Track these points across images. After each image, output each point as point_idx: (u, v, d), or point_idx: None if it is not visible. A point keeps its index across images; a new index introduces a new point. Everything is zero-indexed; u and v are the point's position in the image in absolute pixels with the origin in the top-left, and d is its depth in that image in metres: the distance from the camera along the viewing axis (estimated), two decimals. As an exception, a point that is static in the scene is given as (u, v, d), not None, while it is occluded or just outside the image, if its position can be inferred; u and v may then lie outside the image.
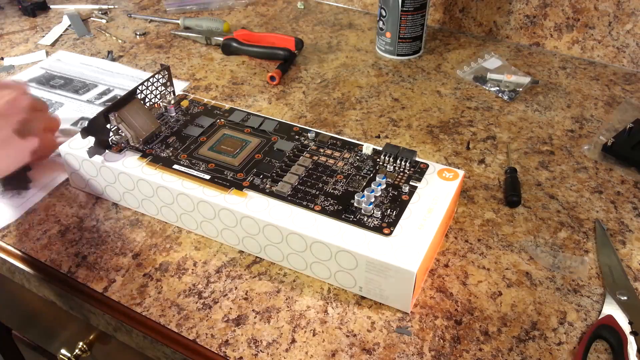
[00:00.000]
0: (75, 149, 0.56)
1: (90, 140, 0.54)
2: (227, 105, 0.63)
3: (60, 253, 0.53)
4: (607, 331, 0.45)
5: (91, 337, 0.64)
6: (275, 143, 0.57)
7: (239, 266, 0.52)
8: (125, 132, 0.55)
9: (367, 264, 0.45)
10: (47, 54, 0.86)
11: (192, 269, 0.51)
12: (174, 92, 0.64)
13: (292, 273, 0.51)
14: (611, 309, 0.47)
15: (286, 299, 0.49)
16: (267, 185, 0.51)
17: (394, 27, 0.81)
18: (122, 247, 0.54)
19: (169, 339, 0.46)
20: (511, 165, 0.63)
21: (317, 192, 0.51)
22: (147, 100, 0.60)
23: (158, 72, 0.61)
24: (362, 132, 0.68)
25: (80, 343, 0.64)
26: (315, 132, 0.58)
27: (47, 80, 0.79)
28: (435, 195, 0.51)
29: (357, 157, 0.55)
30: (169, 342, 0.46)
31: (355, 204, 0.49)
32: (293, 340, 0.45)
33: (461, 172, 0.53)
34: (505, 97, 0.75)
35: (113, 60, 0.84)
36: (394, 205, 0.49)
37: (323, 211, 0.49)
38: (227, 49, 0.85)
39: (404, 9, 0.79)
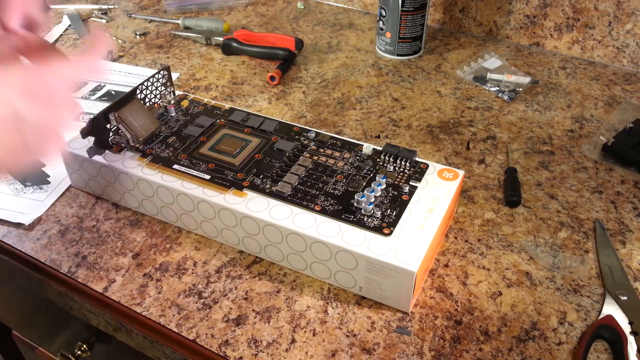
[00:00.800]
0: (75, 149, 0.56)
1: (90, 140, 0.54)
2: (227, 105, 0.63)
3: (60, 253, 0.53)
4: (607, 331, 0.45)
5: (91, 337, 0.64)
6: (275, 143, 0.57)
7: (239, 266, 0.52)
8: (125, 132, 0.55)
9: (367, 264, 0.45)
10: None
11: (192, 269, 0.51)
12: (174, 92, 0.64)
13: (292, 273, 0.51)
14: (611, 309, 0.47)
15: (286, 299, 0.49)
16: (267, 185, 0.51)
17: (394, 27, 0.81)
18: (122, 247, 0.54)
19: (169, 339, 0.46)
20: (511, 165, 0.63)
21: (317, 192, 0.51)
22: (147, 100, 0.60)
23: (158, 72, 0.61)
24: (362, 132, 0.68)
25: (80, 343, 0.64)
26: (315, 132, 0.58)
27: None
28: (435, 195, 0.51)
29: (357, 157, 0.55)
30: (169, 342, 0.46)
31: (355, 204, 0.49)
32: (293, 340, 0.45)
33: (461, 172, 0.53)
34: (505, 97, 0.75)
35: (113, 60, 0.84)
36: (394, 205, 0.49)
37: (323, 211, 0.49)
38: (227, 49, 0.85)
39: (404, 9, 0.79)
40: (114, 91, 0.77)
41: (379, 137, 0.67)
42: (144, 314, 0.48)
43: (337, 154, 0.55)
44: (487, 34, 0.90)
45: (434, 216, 0.48)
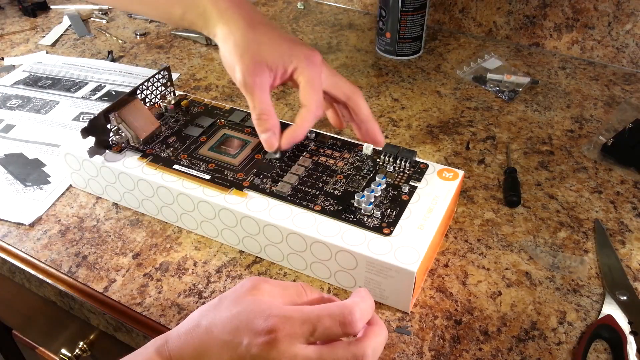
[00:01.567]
0: (75, 149, 0.56)
1: (91, 140, 0.54)
2: (227, 106, 0.63)
3: (61, 253, 0.53)
4: (606, 331, 0.45)
5: (91, 337, 0.64)
6: (275, 143, 0.57)
7: (239, 266, 0.52)
8: (125, 132, 0.55)
9: (367, 264, 0.46)
10: (47, 54, 0.86)
11: (192, 269, 0.51)
12: (174, 92, 0.64)
13: (292, 273, 0.51)
14: (611, 309, 0.47)
15: (286, 299, 0.49)
16: (267, 185, 0.51)
17: (393, 27, 0.81)
18: (122, 247, 0.54)
19: (169, 338, 0.46)
20: (511, 165, 0.63)
21: (317, 192, 0.51)
22: (147, 100, 0.60)
23: (158, 72, 0.61)
24: (362, 132, 0.68)
25: (81, 343, 0.64)
26: (315, 132, 0.58)
27: (35, 82, 0.79)
28: (435, 195, 0.51)
29: (357, 157, 0.55)
30: (169, 342, 0.46)
31: (355, 204, 0.49)
32: (293, 340, 0.45)
33: (461, 172, 0.53)
34: (505, 97, 0.75)
35: (113, 60, 0.84)
36: (394, 205, 0.49)
37: (323, 211, 0.49)
38: (227, 49, 0.85)
39: (404, 9, 0.79)
40: (114, 91, 0.77)
41: (378, 137, 0.67)
42: (144, 313, 0.48)
43: (337, 154, 0.55)
44: (487, 34, 0.90)
45: (433, 216, 0.48)
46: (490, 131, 0.69)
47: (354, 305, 0.35)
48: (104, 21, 0.96)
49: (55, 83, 0.79)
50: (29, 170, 0.63)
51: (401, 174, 0.53)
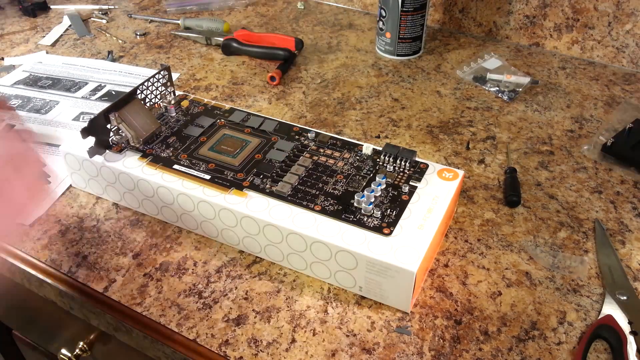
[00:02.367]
0: (75, 149, 0.56)
1: (91, 140, 0.54)
2: (227, 106, 0.63)
3: (61, 253, 0.53)
4: (606, 331, 0.45)
5: (91, 337, 0.64)
6: (276, 143, 0.57)
7: (239, 266, 0.52)
8: (125, 132, 0.55)
9: (367, 264, 0.46)
10: (47, 54, 0.86)
11: (192, 269, 0.51)
12: (174, 92, 0.64)
13: (292, 273, 0.51)
14: (611, 309, 0.47)
15: (286, 299, 0.49)
16: (267, 185, 0.51)
17: (393, 27, 0.81)
18: (122, 247, 0.54)
19: (169, 338, 0.46)
20: (511, 165, 0.63)
21: (317, 192, 0.51)
22: (147, 100, 0.60)
23: (158, 72, 0.61)
24: (362, 132, 0.68)
25: (81, 343, 0.64)
26: (315, 132, 0.58)
27: (35, 82, 0.79)
28: (435, 195, 0.51)
29: (357, 157, 0.55)
30: (169, 342, 0.46)
31: (355, 204, 0.49)
32: (293, 340, 0.45)
33: (461, 172, 0.53)
34: (505, 97, 0.75)
35: (113, 60, 0.84)
36: (394, 205, 0.49)
37: (323, 211, 0.49)
38: (227, 49, 0.85)
39: (404, 9, 0.79)
40: (114, 91, 0.77)
41: (379, 137, 0.68)
42: (144, 313, 0.48)
43: (337, 154, 0.55)
44: (487, 34, 0.90)
45: (433, 216, 0.48)
46: (490, 131, 0.69)
47: None
48: (104, 21, 0.96)
49: (55, 83, 0.79)
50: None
51: (401, 174, 0.53)
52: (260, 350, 0.45)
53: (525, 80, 0.76)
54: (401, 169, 0.53)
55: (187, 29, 0.92)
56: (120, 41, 0.90)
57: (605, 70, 0.81)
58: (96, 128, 0.54)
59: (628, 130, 0.65)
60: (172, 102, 0.62)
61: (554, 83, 0.78)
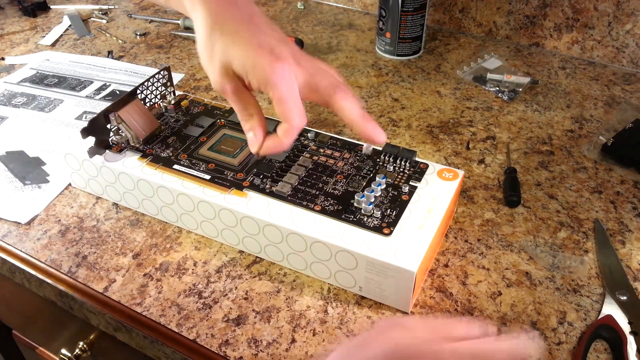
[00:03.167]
0: (75, 149, 0.56)
1: (91, 140, 0.54)
2: (227, 106, 0.63)
3: (61, 253, 0.53)
4: (606, 331, 0.45)
5: (91, 337, 0.64)
6: (275, 143, 0.57)
7: (239, 266, 0.52)
8: (125, 132, 0.55)
9: (367, 264, 0.46)
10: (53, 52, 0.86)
11: (192, 269, 0.51)
12: (174, 92, 0.64)
13: (292, 273, 0.51)
14: (611, 309, 0.47)
15: (286, 299, 0.49)
16: (267, 185, 0.51)
17: (393, 28, 0.81)
18: (122, 247, 0.54)
19: (169, 338, 0.46)
20: (511, 165, 0.63)
21: (317, 192, 0.51)
22: (147, 100, 0.60)
23: (158, 72, 0.61)
24: (362, 132, 0.68)
25: (81, 343, 0.64)
26: (315, 132, 0.58)
27: (41, 80, 0.79)
28: (435, 195, 0.51)
29: (357, 157, 0.55)
30: (169, 342, 0.46)
31: (355, 204, 0.49)
32: (293, 340, 0.45)
33: (461, 172, 0.53)
34: (505, 97, 0.75)
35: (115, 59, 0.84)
36: (394, 205, 0.49)
37: (323, 211, 0.49)
38: (227, 49, 0.84)
39: (404, 9, 0.79)
40: (119, 91, 0.77)
41: (378, 137, 0.67)
42: (144, 313, 0.48)
43: (337, 154, 0.55)
44: (487, 34, 0.90)
45: (433, 216, 0.48)
46: (490, 131, 0.69)
47: (524, 343, 0.35)
48: (104, 21, 0.96)
49: (61, 81, 0.79)
50: (29, 169, 0.63)
51: (401, 174, 0.53)
52: (260, 350, 0.45)
53: (525, 80, 0.76)
54: (401, 169, 0.53)
55: (187, 29, 0.92)
56: (120, 41, 0.90)
57: (605, 70, 0.81)
58: (96, 128, 0.54)
59: (628, 130, 0.65)
60: (172, 102, 0.62)
61: (554, 83, 0.78)
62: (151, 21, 0.95)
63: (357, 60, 0.84)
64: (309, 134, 0.58)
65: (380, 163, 0.54)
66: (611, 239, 0.54)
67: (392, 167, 0.53)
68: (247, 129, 0.47)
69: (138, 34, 0.91)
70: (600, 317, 0.46)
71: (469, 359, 0.34)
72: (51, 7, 1.01)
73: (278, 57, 0.43)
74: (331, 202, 0.50)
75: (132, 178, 0.53)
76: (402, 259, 0.45)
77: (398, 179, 0.52)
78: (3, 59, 0.85)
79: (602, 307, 0.47)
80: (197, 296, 0.49)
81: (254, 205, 0.49)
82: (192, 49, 0.87)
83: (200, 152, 0.55)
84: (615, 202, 0.58)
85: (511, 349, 0.35)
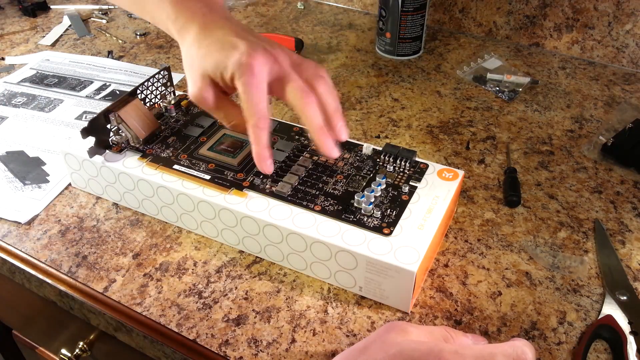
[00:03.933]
0: (75, 149, 0.56)
1: (91, 140, 0.54)
2: (227, 106, 0.63)
3: (61, 253, 0.53)
4: (606, 331, 0.45)
5: (91, 337, 0.64)
6: (275, 143, 0.57)
7: (239, 266, 0.52)
8: (125, 132, 0.55)
9: (367, 264, 0.46)
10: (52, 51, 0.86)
11: (192, 269, 0.51)
12: (174, 92, 0.64)
13: (292, 273, 0.51)
14: (611, 309, 0.47)
15: (286, 299, 0.49)
16: (267, 186, 0.51)
17: (393, 28, 0.81)
18: (122, 247, 0.54)
19: (169, 338, 0.46)
20: (511, 165, 0.63)
21: (317, 192, 0.51)
22: (147, 100, 0.60)
23: (158, 72, 0.61)
24: (362, 132, 0.68)
25: (81, 343, 0.64)
26: (315, 132, 0.58)
27: (41, 80, 0.79)
28: (435, 195, 0.51)
29: (357, 157, 0.55)
30: (169, 342, 0.46)
31: (355, 204, 0.49)
32: (293, 340, 0.45)
33: (461, 172, 0.53)
34: (505, 97, 0.75)
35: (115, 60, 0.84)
36: (394, 205, 0.49)
37: (323, 211, 0.49)
38: (227, 49, 0.85)
39: (404, 9, 0.79)
40: (119, 91, 0.77)
41: (379, 137, 0.68)
42: (144, 313, 0.48)
43: (337, 154, 0.55)
44: (487, 34, 0.90)
45: (433, 216, 0.48)
46: (490, 131, 0.69)
47: (525, 345, 0.36)
48: (104, 21, 0.96)
49: (61, 81, 0.79)
50: (28, 169, 0.63)
51: (401, 174, 0.53)
52: (260, 350, 0.45)
53: (525, 80, 0.76)
54: (401, 169, 0.53)
55: (187, 29, 0.92)
56: (120, 41, 0.90)
57: (605, 70, 0.81)
58: (96, 128, 0.54)
59: (628, 130, 0.65)
60: (172, 102, 0.62)
61: (554, 83, 0.78)
62: (151, 21, 0.95)
63: (357, 60, 0.84)
64: (309, 134, 0.58)
65: (380, 163, 0.54)
66: (611, 239, 0.54)
67: (392, 167, 0.53)
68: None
69: (138, 34, 0.91)
70: (600, 317, 0.46)
71: None
72: (51, 7, 1.01)
73: (249, 54, 0.45)
74: (331, 202, 0.50)
75: (132, 178, 0.53)
76: (402, 259, 0.45)
77: (398, 179, 0.52)
78: (3, 59, 0.85)
79: (602, 307, 0.47)
80: (197, 296, 0.49)
81: (254, 205, 0.49)
82: (192, 49, 0.87)
83: (200, 152, 0.55)
84: (615, 202, 0.58)
85: (513, 351, 0.35)
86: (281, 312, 0.48)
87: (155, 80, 0.60)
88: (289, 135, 0.58)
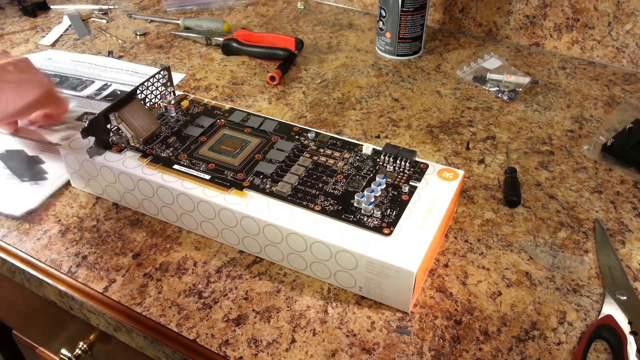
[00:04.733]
0: (75, 149, 0.56)
1: (91, 140, 0.54)
2: (227, 106, 0.63)
3: (61, 253, 0.53)
4: (606, 331, 0.45)
5: (91, 337, 0.64)
6: (275, 143, 0.57)
7: (239, 266, 0.52)
8: (125, 132, 0.55)
9: (367, 264, 0.46)
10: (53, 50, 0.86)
11: (192, 269, 0.51)
12: (174, 92, 0.64)
13: (292, 273, 0.51)
14: (611, 309, 0.47)
15: (286, 299, 0.49)
16: (267, 185, 0.51)
17: (393, 28, 0.81)
18: (122, 247, 0.54)
19: (169, 338, 0.46)
20: (511, 165, 0.63)
21: (317, 192, 0.51)
22: (147, 100, 0.60)
23: (158, 72, 0.61)
24: (362, 132, 0.68)
25: (81, 343, 0.64)
26: (315, 132, 0.58)
27: None
28: (435, 195, 0.51)
29: (357, 157, 0.55)
30: (169, 342, 0.46)
31: (355, 204, 0.49)
32: (293, 340, 0.45)
33: (461, 172, 0.53)
34: (505, 97, 0.75)
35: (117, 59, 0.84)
36: (394, 205, 0.49)
37: (323, 211, 0.49)
38: (227, 49, 0.85)
39: (404, 9, 0.79)
40: (120, 91, 0.77)
41: (379, 137, 0.68)
42: (144, 313, 0.48)
43: (337, 154, 0.55)
44: (487, 34, 0.90)
45: (433, 216, 0.49)
46: (490, 131, 0.69)
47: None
48: (104, 21, 0.96)
49: (62, 81, 0.79)
50: (27, 167, 0.63)
51: (401, 174, 0.53)
52: (260, 350, 0.45)
53: (525, 80, 0.76)
54: (401, 169, 0.53)
55: (187, 29, 0.92)
56: (120, 41, 0.90)
57: (605, 70, 0.81)
58: (96, 128, 0.54)
59: (628, 130, 0.65)
60: (172, 102, 0.62)
61: (554, 83, 0.78)
62: (151, 21, 0.96)
63: (357, 60, 0.84)
64: (309, 134, 0.58)
65: (380, 163, 0.54)
66: (611, 239, 0.54)
67: (392, 167, 0.54)
68: None
69: (138, 34, 0.91)
70: (600, 317, 0.46)
71: None
72: (51, 7, 1.01)
73: None
74: (331, 202, 0.50)
75: (132, 178, 0.53)
76: (402, 259, 0.45)
77: (398, 179, 0.52)
78: (3, 59, 0.85)
79: (602, 307, 0.47)
80: (197, 296, 0.49)
81: (254, 205, 0.49)
82: (192, 49, 0.87)
83: (200, 152, 0.55)
84: (615, 202, 0.58)
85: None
86: (281, 312, 0.48)
87: (155, 80, 0.61)
88: (289, 135, 0.58)
